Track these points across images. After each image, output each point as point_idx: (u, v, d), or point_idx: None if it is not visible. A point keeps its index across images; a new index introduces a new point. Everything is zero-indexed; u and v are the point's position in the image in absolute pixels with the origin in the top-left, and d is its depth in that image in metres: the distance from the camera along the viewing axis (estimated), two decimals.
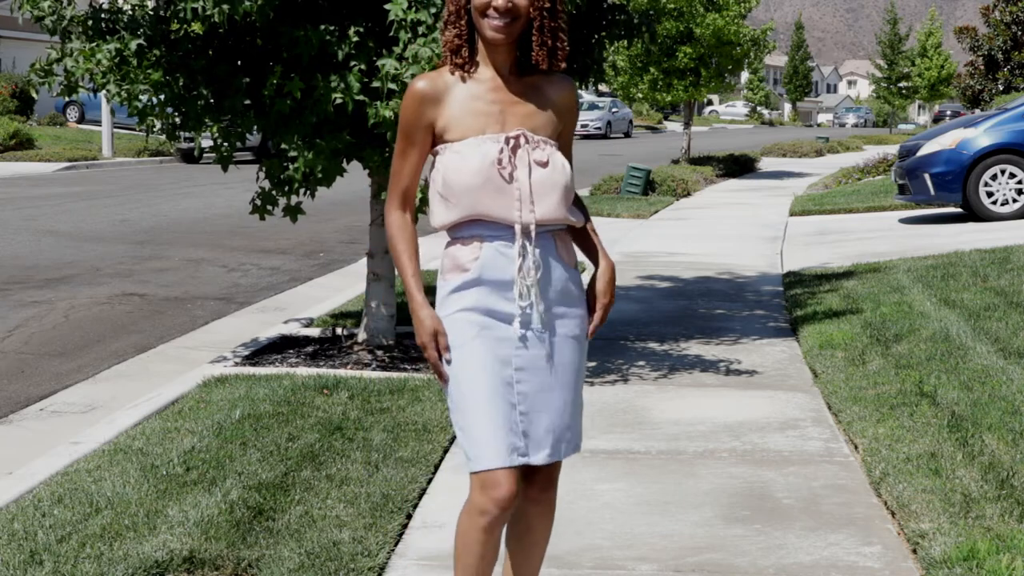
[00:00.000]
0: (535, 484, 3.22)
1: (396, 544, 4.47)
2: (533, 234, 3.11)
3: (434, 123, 3.13)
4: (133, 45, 6.91)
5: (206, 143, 7.53)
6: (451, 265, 3.16)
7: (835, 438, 5.91)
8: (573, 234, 3.29)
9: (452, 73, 3.15)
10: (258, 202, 7.48)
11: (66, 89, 7.12)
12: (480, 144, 3.09)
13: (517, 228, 3.10)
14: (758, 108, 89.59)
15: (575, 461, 5.53)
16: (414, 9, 6.51)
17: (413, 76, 6.40)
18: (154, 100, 7.29)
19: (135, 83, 7.02)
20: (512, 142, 3.10)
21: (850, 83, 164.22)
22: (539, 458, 3.13)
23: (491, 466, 3.05)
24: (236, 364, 7.52)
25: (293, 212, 7.48)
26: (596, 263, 3.30)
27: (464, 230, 3.14)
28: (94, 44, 6.99)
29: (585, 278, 3.34)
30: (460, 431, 3.13)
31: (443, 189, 3.11)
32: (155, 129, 7.35)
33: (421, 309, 3.13)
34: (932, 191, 15.33)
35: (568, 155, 3.25)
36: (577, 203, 3.29)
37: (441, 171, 3.12)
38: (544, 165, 3.12)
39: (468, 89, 3.14)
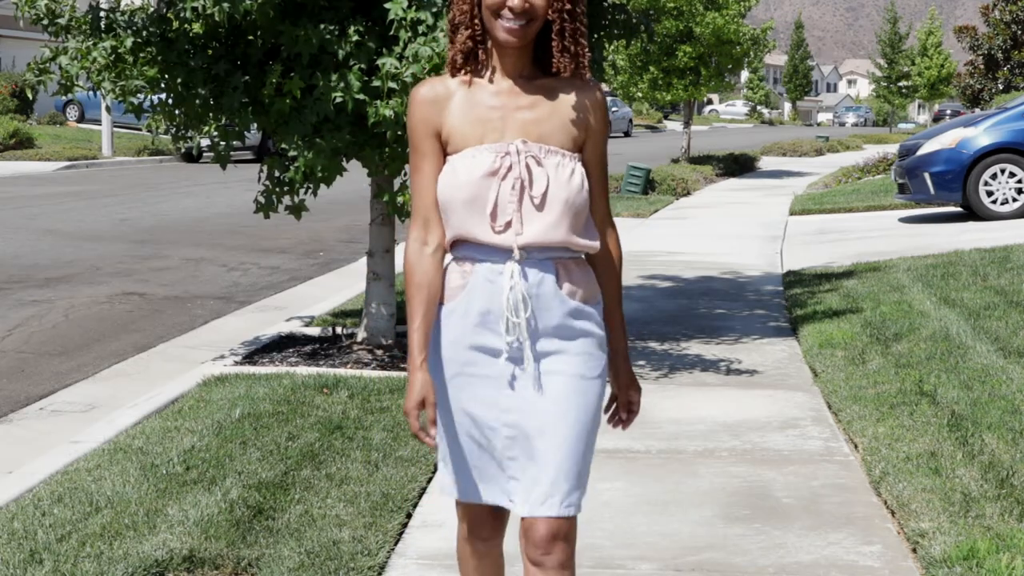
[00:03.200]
0: (531, 541, 2.83)
1: (396, 543, 4.47)
2: (517, 257, 2.79)
3: (440, 130, 2.82)
4: (128, 43, 6.92)
5: (205, 142, 7.55)
6: (446, 289, 2.87)
7: (835, 437, 5.91)
8: (605, 299, 2.96)
9: (453, 76, 2.85)
10: (262, 200, 7.49)
11: (62, 88, 7.14)
12: (473, 156, 2.79)
13: (512, 251, 2.79)
14: (758, 107, 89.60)
15: None
16: (414, 8, 6.51)
17: (413, 75, 6.40)
18: (152, 99, 7.31)
19: (130, 79, 7.03)
20: (509, 152, 2.78)
21: (850, 82, 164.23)
22: (521, 509, 2.84)
23: (463, 498, 2.95)
24: (236, 363, 7.52)
25: (297, 210, 7.50)
26: (614, 356, 2.99)
27: (460, 249, 2.86)
28: (90, 42, 7.00)
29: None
30: (441, 461, 2.96)
31: (440, 206, 2.85)
32: (159, 130, 7.38)
33: (415, 371, 2.81)
34: (932, 190, 15.33)
35: (595, 172, 2.89)
36: (606, 260, 2.95)
37: (438, 187, 2.84)
38: (543, 178, 2.78)
39: (471, 95, 2.83)
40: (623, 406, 3.02)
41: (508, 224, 2.77)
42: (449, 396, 2.86)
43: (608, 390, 2.97)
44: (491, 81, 2.83)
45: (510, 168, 2.77)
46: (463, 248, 2.84)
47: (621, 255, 2.99)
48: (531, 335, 2.81)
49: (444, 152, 2.83)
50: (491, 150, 2.78)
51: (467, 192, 2.77)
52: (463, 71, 2.84)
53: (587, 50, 2.83)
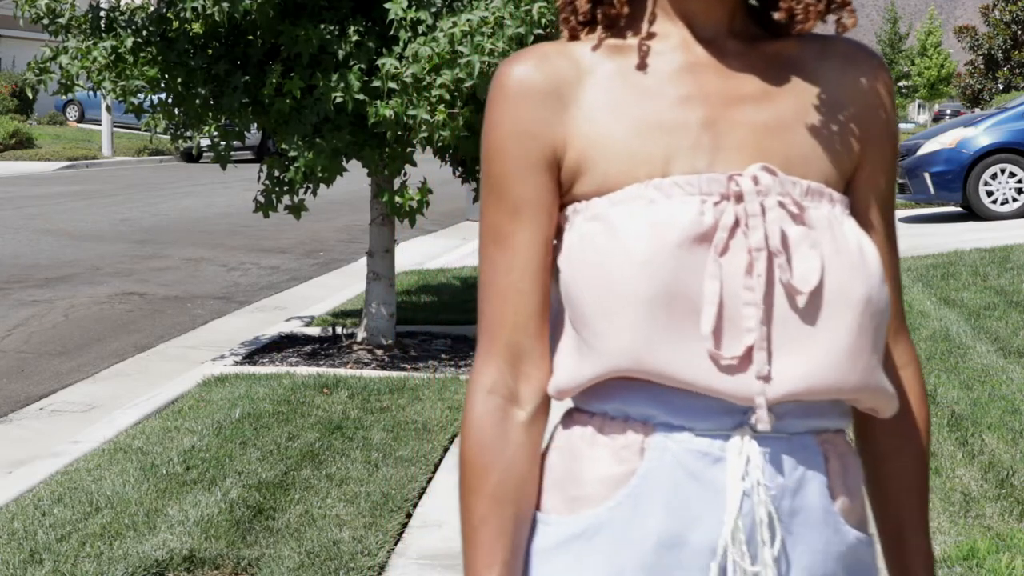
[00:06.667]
0: None
1: (396, 543, 4.47)
2: (763, 426, 1.24)
3: (560, 152, 1.31)
4: (128, 42, 6.94)
5: (205, 142, 7.57)
6: (563, 481, 1.32)
7: None
8: (871, 477, 1.40)
9: (574, 39, 1.36)
10: (261, 199, 7.49)
11: (62, 88, 7.15)
12: (657, 199, 1.26)
13: (749, 412, 1.25)
14: None
15: None
16: (414, 8, 6.51)
17: (413, 75, 6.39)
18: (153, 99, 7.32)
19: (131, 79, 7.05)
20: (734, 195, 1.25)
21: None
22: None
23: None
24: (236, 363, 7.52)
25: (296, 210, 7.50)
26: None
27: (608, 399, 1.29)
28: (90, 42, 7.02)
29: None
30: None
31: (568, 308, 1.30)
32: (158, 129, 7.40)
33: None
34: (932, 190, 15.33)
35: (875, 229, 1.36)
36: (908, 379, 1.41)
37: (564, 267, 1.31)
38: (813, 252, 1.25)
39: (629, 72, 1.32)
40: None
41: (749, 352, 1.23)
42: None
43: None
44: (665, 47, 1.33)
45: (735, 225, 1.25)
46: (623, 397, 1.28)
47: (927, 410, 1.42)
48: None
49: (562, 197, 1.33)
50: (692, 187, 1.27)
51: (657, 279, 1.23)
52: (595, 29, 1.36)
53: None
